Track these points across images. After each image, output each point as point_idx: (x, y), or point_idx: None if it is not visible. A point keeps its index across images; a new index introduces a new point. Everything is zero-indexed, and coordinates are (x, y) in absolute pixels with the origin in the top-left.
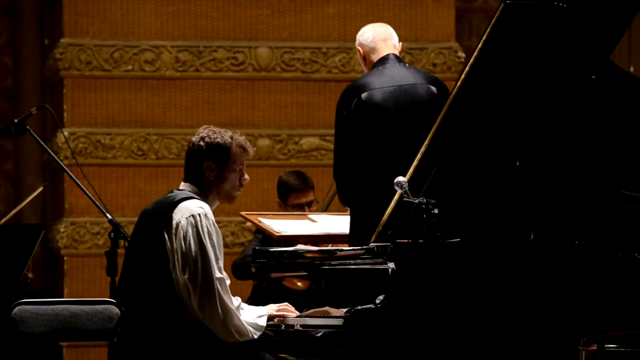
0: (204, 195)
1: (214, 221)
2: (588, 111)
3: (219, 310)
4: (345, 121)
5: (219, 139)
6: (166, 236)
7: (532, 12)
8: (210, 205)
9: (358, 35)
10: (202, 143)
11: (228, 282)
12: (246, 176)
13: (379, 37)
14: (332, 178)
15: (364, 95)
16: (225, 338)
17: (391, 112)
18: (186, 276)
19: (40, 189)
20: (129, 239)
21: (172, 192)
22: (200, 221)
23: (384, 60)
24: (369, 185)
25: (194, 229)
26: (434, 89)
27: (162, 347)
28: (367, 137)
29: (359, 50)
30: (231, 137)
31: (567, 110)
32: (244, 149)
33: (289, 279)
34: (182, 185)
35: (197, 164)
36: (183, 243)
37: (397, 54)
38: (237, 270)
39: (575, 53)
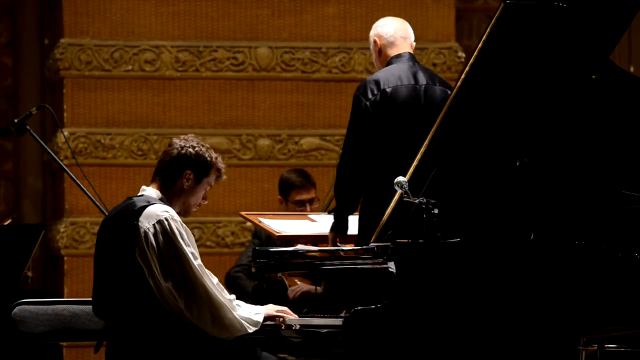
0: (167, 201)
1: (181, 221)
2: (588, 111)
3: (208, 307)
4: (369, 110)
5: (206, 155)
6: (135, 245)
7: (532, 12)
8: None
9: (377, 26)
10: (192, 151)
11: (215, 280)
12: (206, 200)
13: (400, 34)
14: (334, 175)
15: (389, 89)
16: (218, 334)
17: (413, 110)
18: (168, 282)
19: (9, 220)
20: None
21: (130, 198)
22: (169, 225)
23: (401, 57)
24: (380, 182)
25: (165, 234)
26: (448, 92)
27: (154, 354)
28: (387, 132)
29: (375, 42)
30: (215, 158)
31: (567, 111)
32: (219, 174)
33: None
34: (145, 190)
35: (179, 169)
36: (157, 250)
37: (412, 53)
38: (230, 283)
39: (575, 53)
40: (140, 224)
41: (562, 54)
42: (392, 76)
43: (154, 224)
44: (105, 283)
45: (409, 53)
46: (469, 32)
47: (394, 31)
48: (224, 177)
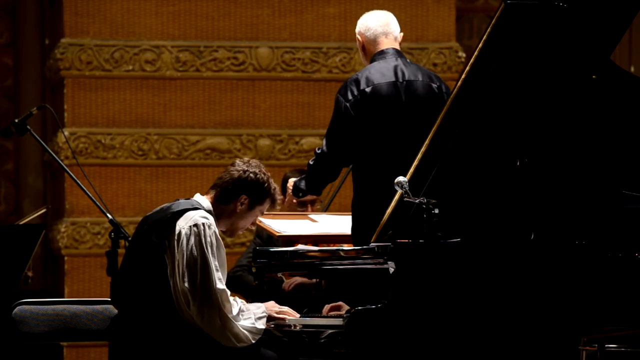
0: (215, 217)
1: (217, 233)
2: (588, 111)
3: (218, 320)
4: (350, 112)
5: (266, 184)
6: (167, 242)
7: (533, 12)
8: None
9: (360, 22)
10: (253, 177)
11: (228, 292)
12: (255, 226)
13: (381, 30)
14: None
15: (368, 89)
16: (224, 343)
17: (394, 107)
18: (186, 284)
19: (44, 210)
20: (129, 239)
21: (178, 200)
22: (204, 231)
23: (384, 53)
24: (369, 180)
25: (197, 238)
26: (434, 85)
27: (156, 349)
28: (370, 131)
29: (358, 39)
30: (274, 189)
31: (567, 110)
32: (273, 203)
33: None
34: (198, 197)
35: (236, 191)
36: (185, 251)
37: (398, 46)
38: (232, 283)
39: (575, 53)
40: (177, 222)
41: (563, 54)
42: (372, 75)
43: (190, 226)
44: (129, 273)
45: (393, 49)
46: (470, 32)
47: (375, 28)
48: (278, 207)
